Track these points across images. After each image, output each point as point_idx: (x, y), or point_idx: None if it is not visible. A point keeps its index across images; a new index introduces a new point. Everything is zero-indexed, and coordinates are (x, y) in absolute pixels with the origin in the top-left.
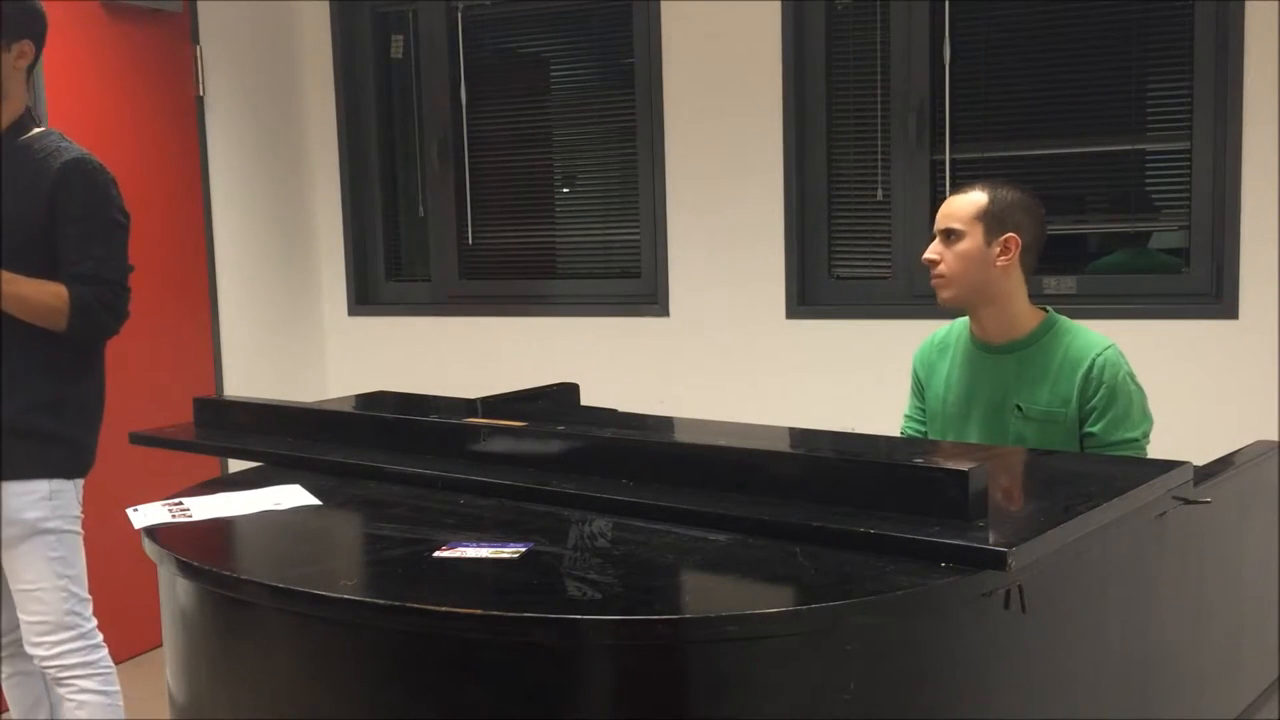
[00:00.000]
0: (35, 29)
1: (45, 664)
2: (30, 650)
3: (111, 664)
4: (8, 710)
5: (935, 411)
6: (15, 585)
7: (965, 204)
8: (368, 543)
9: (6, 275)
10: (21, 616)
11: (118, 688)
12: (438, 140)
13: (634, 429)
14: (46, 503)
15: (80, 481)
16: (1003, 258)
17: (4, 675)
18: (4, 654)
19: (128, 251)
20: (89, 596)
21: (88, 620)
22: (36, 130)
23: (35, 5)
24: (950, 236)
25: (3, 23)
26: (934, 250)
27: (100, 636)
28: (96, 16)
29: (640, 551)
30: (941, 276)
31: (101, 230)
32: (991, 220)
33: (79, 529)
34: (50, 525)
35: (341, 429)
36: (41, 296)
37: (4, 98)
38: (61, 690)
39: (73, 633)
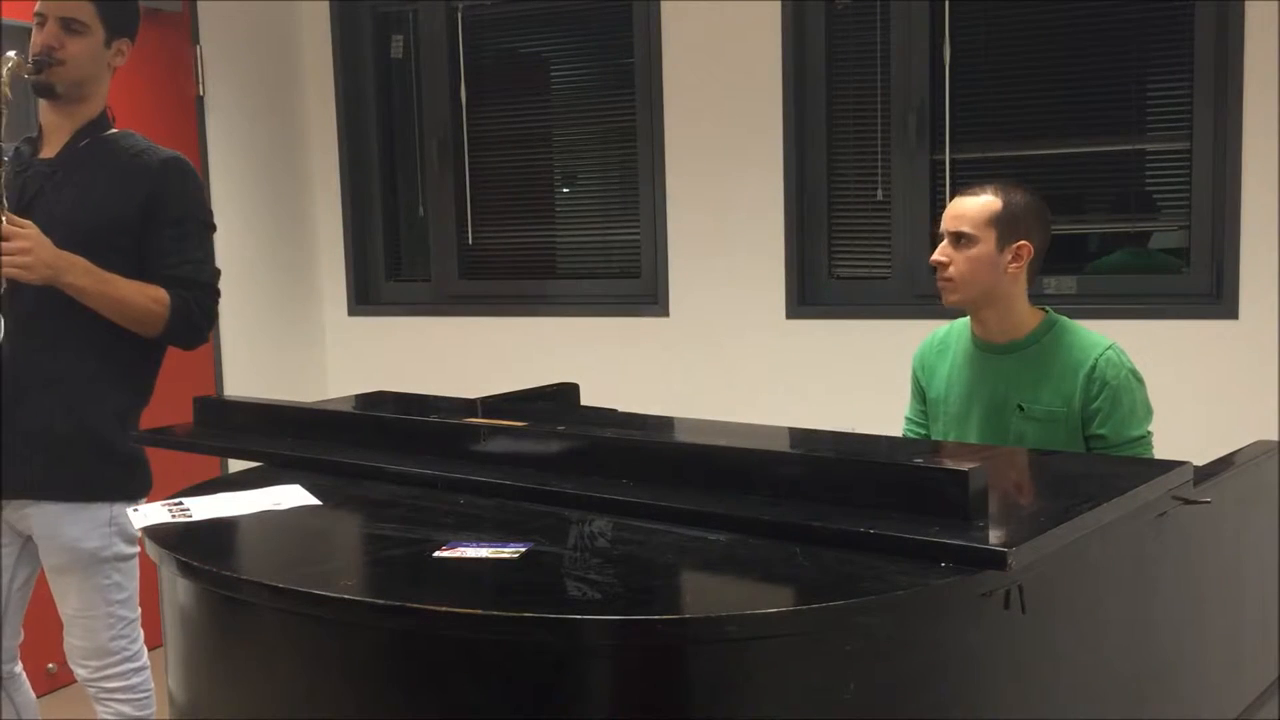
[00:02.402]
0: (133, 29)
1: (86, 683)
2: (74, 667)
3: (151, 687)
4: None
5: (937, 412)
6: (62, 607)
7: (978, 208)
8: (368, 543)
9: (107, 276)
10: (67, 636)
11: (153, 709)
12: (438, 140)
13: (634, 429)
14: (105, 530)
15: (142, 502)
16: (1014, 265)
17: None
18: None
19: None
20: (138, 614)
21: (134, 642)
22: (115, 130)
23: (136, 5)
24: (961, 240)
25: (113, 18)
26: (943, 252)
27: (145, 657)
28: None
29: (640, 551)
30: (950, 280)
31: (198, 232)
32: (1005, 226)
33: (135, 549)
34: (107, 554)
35: (341, 429)
36: (142, 300)
37: (93, 93)
38: (97, 707)
39: (116, 657)
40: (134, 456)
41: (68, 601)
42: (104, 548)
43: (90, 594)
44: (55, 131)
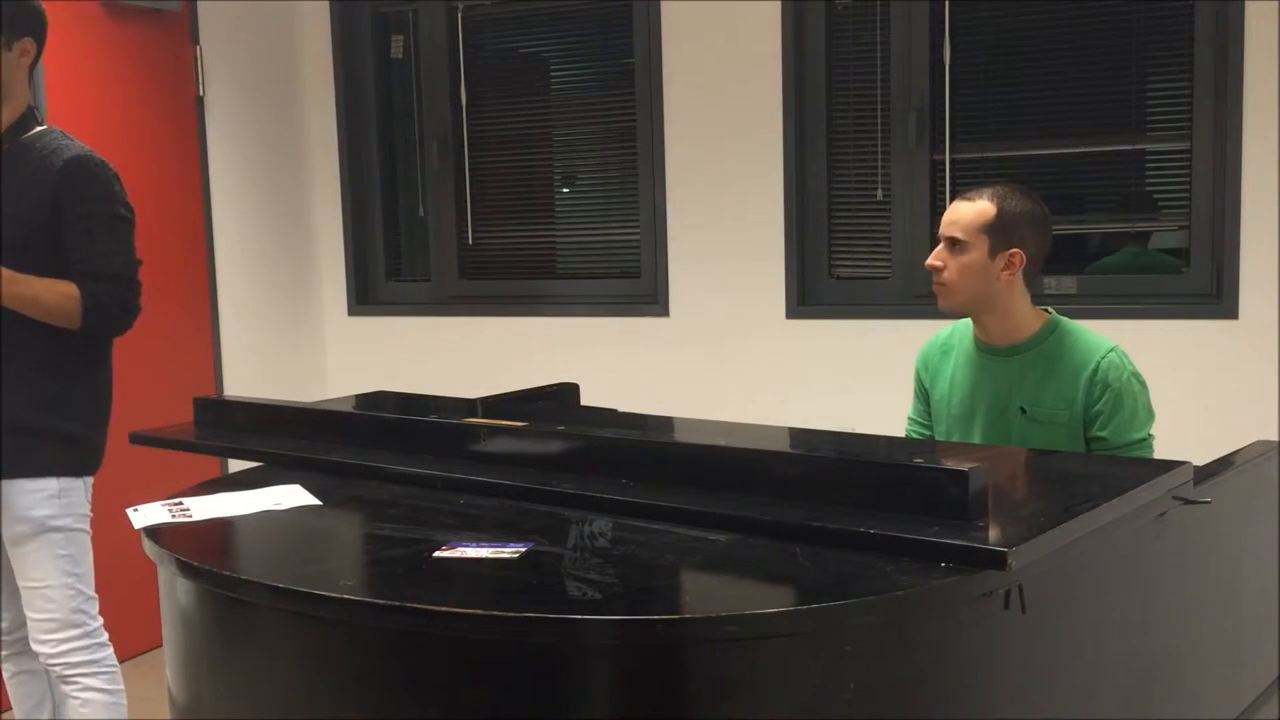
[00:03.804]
0: (36, 27)
1: (51, 661)
2: (36, 647)
3: (116, 663)
4: (10, 709)
5: (940, 413)
6: (23, 583)
7: (972, 214)
8: (368, 543)
9: (17, 277)
10: (28, 614)
11: (122, 686)
12: (438, 140)
13: (634, 429)
14: (55, 500)
15: (90, 479)
16: (1005, 272)
17: (7, 674)
18: (6, 652)
19: (134, 245)
20: (95, 595)
21: (94, 619)
22: (38, 129)
23: (35, 4)
24: (954, 245)
25: (3, 21)
26: (938, 257)
27: (105, 635)
28: (96, 16)
29: (640, 551)
30: (943, 285)
31: (106, 226)
32: (997, 234)
33: (87, 527)
34: (59, 523)
35: (341, 429)
36: (53, 297)
37: (5, 96)
38: (66, 688)
39: (78, 630)
40: (75, 435)
41: (28, 574)
42: (54, 517)
43: (48, 563)
44: None
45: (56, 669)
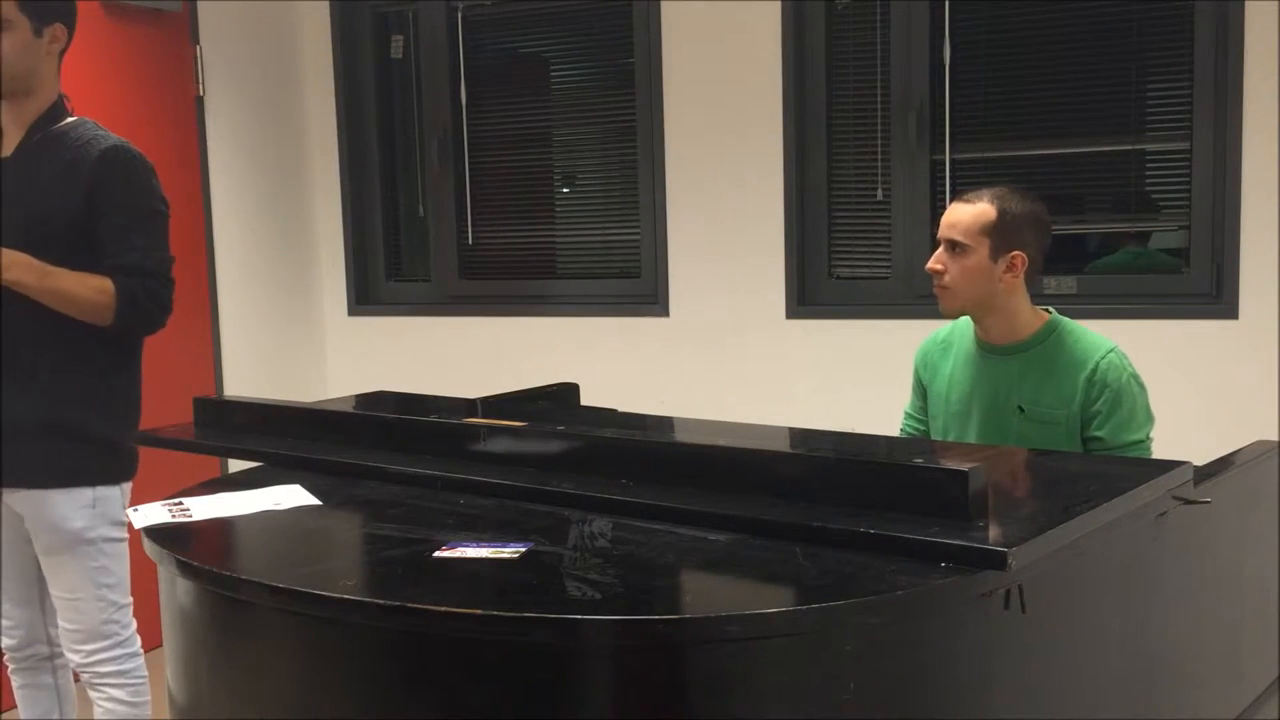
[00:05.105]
0: (66, 13)
1: (80, 669)
2: (68, 654)
3: (145, 674)
4: (13, 708)
5: (937, 411)
6: (54, 591)
7: (972, 217)
8: (368, 543)
9: (49, 269)
10: (60, 621)
11: (147, 698)
12: (438, 140)
13: (634, 429)
14: (90, 511)
15: (128, 485)
16: (1008, 274)
17: (15, 685)
18: (15, 667)
19: (169, 241)
20: (129, 601)
21: (125, 628)
22: (70, 119)
23: None
24: (955, 248)
25: (33, 7)
26: (938, 260)
27: (138, 644)
28: (96, 16)
29: (640, 551)
30: (945, 288)
31: (144, 220)
32: (999, 237)
33: (124, 534)
34: (92, 535)
35: (341, 429)
36: (86, 291)
37: (36, 85)
38: (92, 694)
39: (109, 641)
40: (110, 440)
41: (59, 583)
42: (89, 528)
43: (79, 575)
44: (11, 129)
45: (85, 676)
